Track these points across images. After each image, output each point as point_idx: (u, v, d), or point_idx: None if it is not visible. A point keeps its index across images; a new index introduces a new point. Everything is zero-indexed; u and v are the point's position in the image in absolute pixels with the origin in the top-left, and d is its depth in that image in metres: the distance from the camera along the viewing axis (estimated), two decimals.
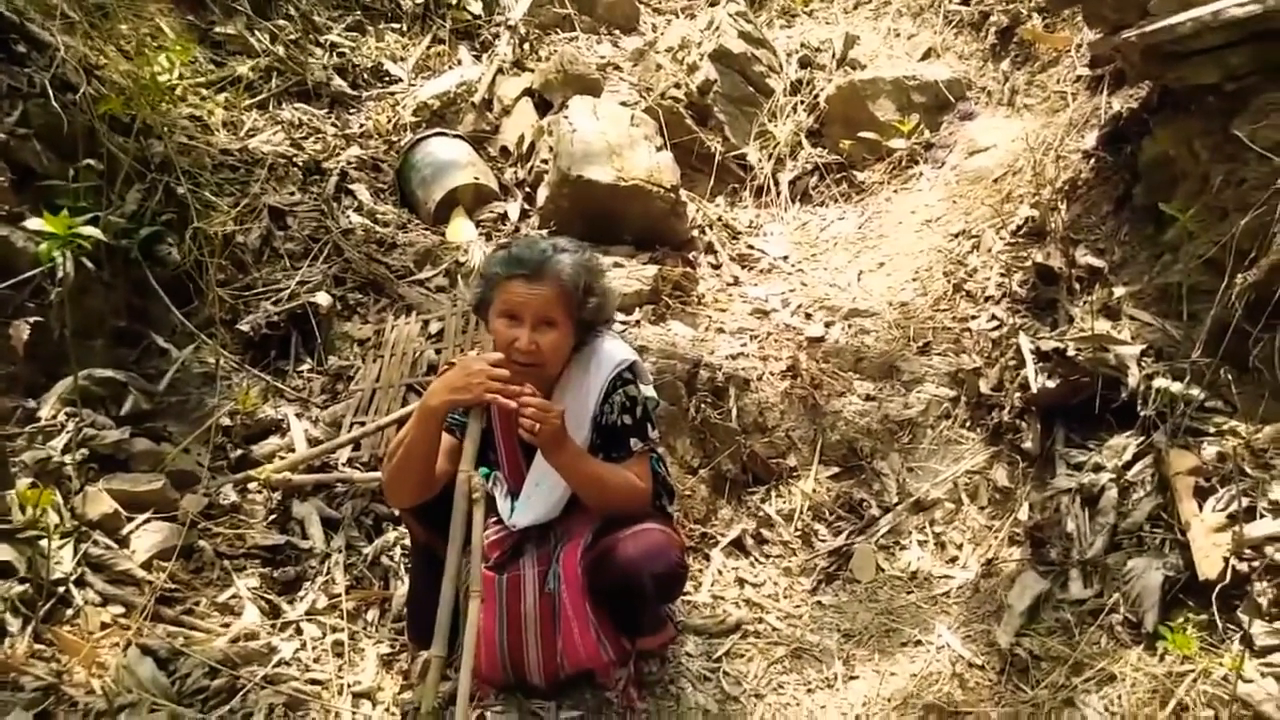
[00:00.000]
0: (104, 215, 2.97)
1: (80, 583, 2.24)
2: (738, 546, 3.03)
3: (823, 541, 3.07)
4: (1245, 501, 2.27)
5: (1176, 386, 2.55)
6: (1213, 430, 2.53)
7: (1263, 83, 2.68)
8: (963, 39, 5.29)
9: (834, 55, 5.45)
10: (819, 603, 2.85)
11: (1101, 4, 3.42)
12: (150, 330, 3.21)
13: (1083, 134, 3.99)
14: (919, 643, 2.58)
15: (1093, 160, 3.75)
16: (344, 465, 3.01)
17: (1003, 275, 3.54)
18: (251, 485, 2.84)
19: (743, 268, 4.42)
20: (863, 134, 4.95)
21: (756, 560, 3.00)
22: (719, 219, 4.73)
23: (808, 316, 3.85)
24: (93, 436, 2.59)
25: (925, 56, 5.30)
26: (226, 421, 3.01)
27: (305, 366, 3.43)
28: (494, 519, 2.34)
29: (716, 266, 4.42)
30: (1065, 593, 2.48)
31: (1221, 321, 2.62)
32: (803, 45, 5.61)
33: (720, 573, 2.92)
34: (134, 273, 3.20)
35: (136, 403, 2.86)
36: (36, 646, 2.07)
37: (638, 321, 3.72)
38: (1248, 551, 2.15)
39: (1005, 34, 5.09)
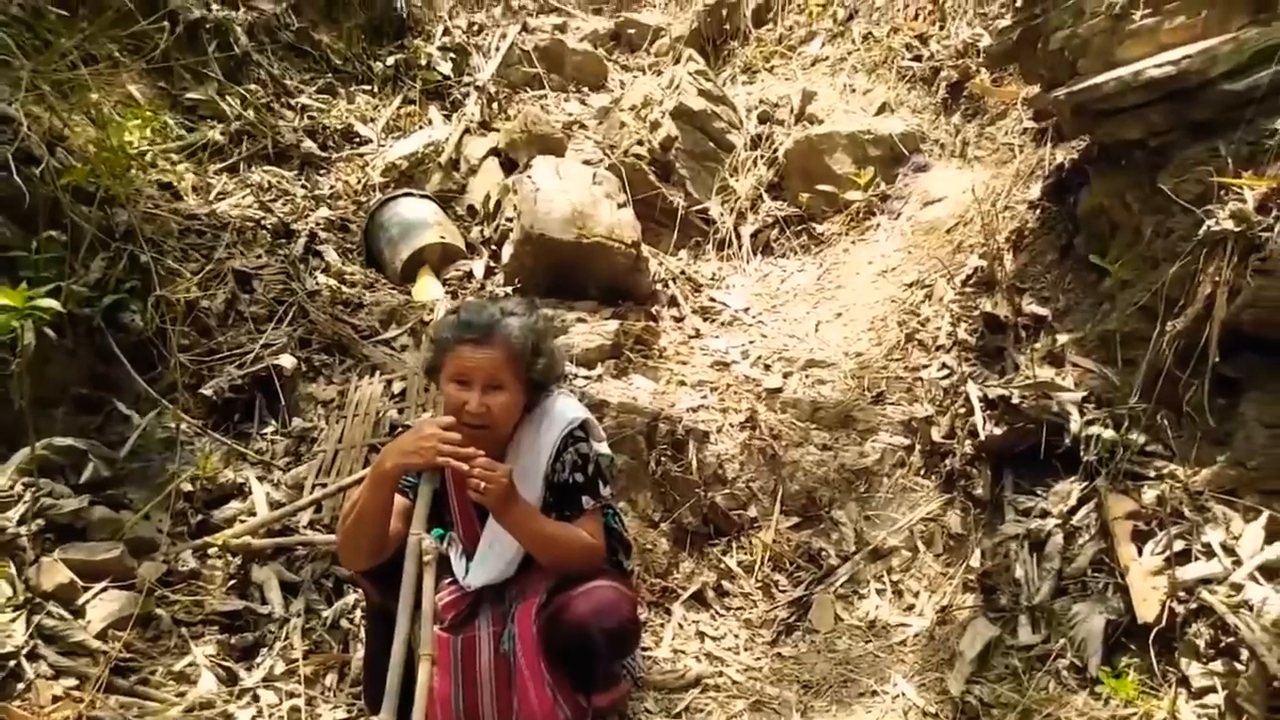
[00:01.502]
0: (66, 285, 3.00)
1: (32, 655, 2.24)
2: (699, 599, 3.06)
3: (783, 592, 3.10)
4: (1181, 544, 2.33)
5: (1112, 434, 2.63)
6: (1152, 474, 2.60)
7: (1182, 138, 2.81)
8: (916, 93, 5.46)
9: (792, 111, 5.61)
10: (779, 654, 2.87)
11: (1035, 62, 3.57)
12: (113, 397, 3.23)
13: (1029, 185, 4.12)
14: (875, 693, 2.61)
15: (1038, 210, 3.88)
16: (305, 528, 3.02)
17: (953, 324, 3.63)
18: (211, 551, 2.84)
19: (705, 320, 4.50)
20: (821, 187, 5.08)
21: (717, 613, 3.03)
22: (681, 273, 4.82)
23: (767, 368, 3.92)
24: (50, 506, 2.60)
25: (880, 111, 5.45)
26: (188, 487, 3.03)
27: (269, 429, 3.45)
28: (449, 579, 2.36)
29: (679, 319, 4.49)
30: (1015, 638, 2.53)
31: (1155, 367, 2.71)
32: (762, 101, 5.77)
33: (681, 626, 2.94)
34: (97, 340, 3.23)
35: (97, 470, 2.88)
36: None
37: (600, 376, 3.78)
38: (1183, 594, 2.21)
39: (956, 88, 5.27)
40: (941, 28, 5.61)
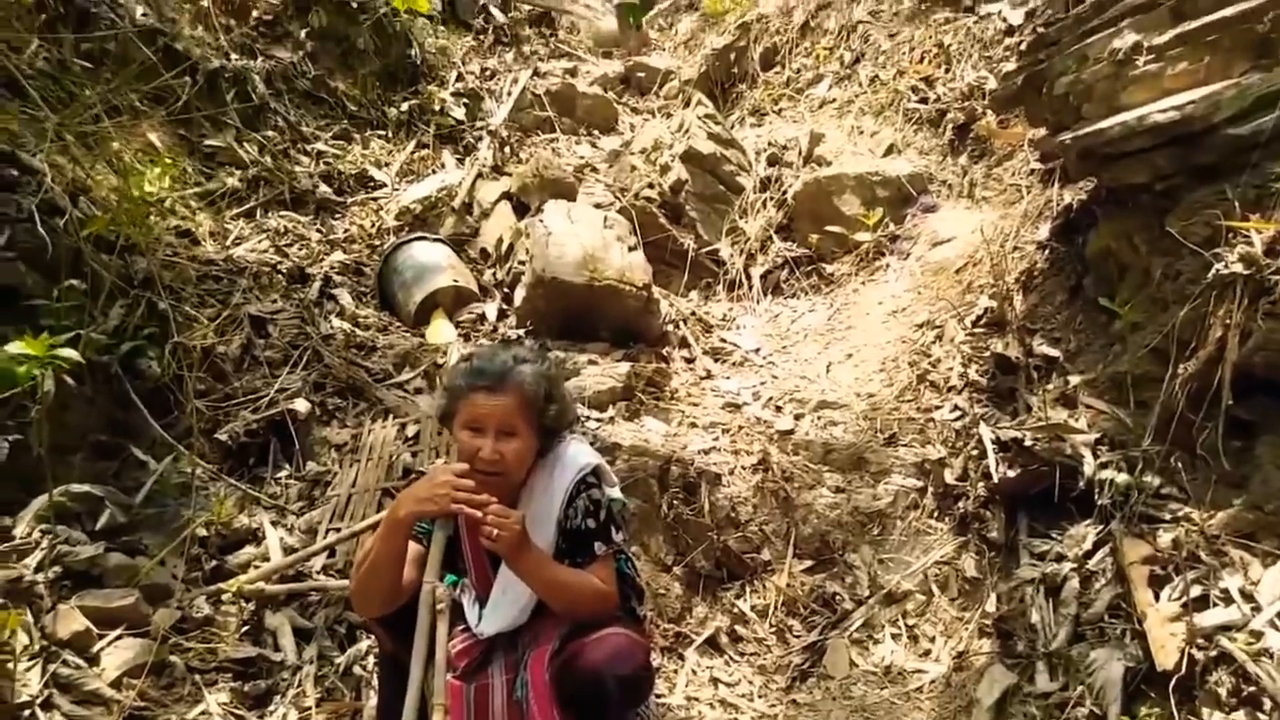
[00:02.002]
0: (86, 333, 3.05)
1: (47, 705, 2.25)
2: (712, 645, 3.04)
3: (797, 637, 3.08)
4: (1199, 590, 2.31)
5: (1126, 477, 2.62)
6: (1167, 517, 2.59)
7: (1189, 182, 2.83)
8: (922, 135, 5.52)
9: (800, 153, 5.67)
10: (794, 701, 2.85)
11: (1041, 106, 3.61)
12: (130, 443, 3.26)
13: (1037, 225, 4.15)
14: None
15: (1047, 251, 3.90)
16: (318, 573, 3.03)
17: (964, 365, 3.64)
18: (225, 596, 2.85)
19: (716, 361, 4.52)
20: (830, 228, 5.12)
21: (731, 659, 3.01)
22: (692, 314, 4.85)
23: (778, 409, 3.92)
24: (67, 553, 2.62)
25: (888, 152, 5.51)
26: (202, 532, 3.04)
27: (283, 473, 3.47)
28: (462, 627, 2.36)
29: (690, 360, 4.52)
30: (1033, 685, 2.50)
31: (1168, 410, 2.71)
32: (770, 143, 5.84)
33: (694, 673, 2.92)
34: (115, 387, 3.27)
35: (113, 517, 2.90)
36: None
37: (612, 418, 3.79)
38: (1202, 641, 2.18)
39: (962, 130, 5.33)
40: (947, 70, 5.68)
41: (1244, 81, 2.71)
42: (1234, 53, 2.80)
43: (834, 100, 6.27)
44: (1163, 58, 3.00)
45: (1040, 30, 4.08)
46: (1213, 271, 2.57)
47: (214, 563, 3.00)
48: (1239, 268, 2.51)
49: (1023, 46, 4.28)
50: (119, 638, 2.53)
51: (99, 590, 2.63)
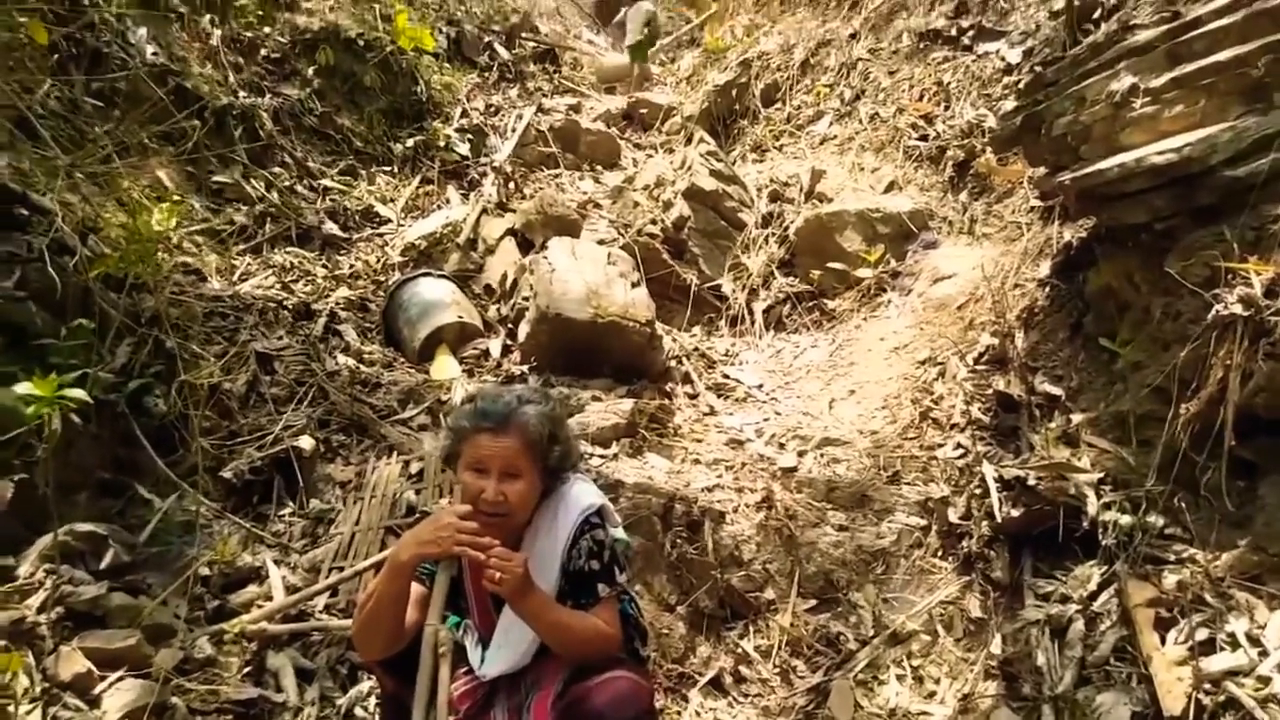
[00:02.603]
0: (93, 372, 3.07)
1: None
2: (716, 686, 3.01)
3: (801, 678, 3.06)
4: (1205, 633, 2.30)
5: (1129, 518, 2.61)
6: (1172, 558, 2.58)
7: (1187, 223, 2.85)
8: (923, 172, 5.58)
9: (802, 189, 5.73)
10: None
11: (1040, 146, 3.65)
12: (135, 481, 3.27)
13: (1038, 263, 4.17)
14: None
15: (1048, 288, 3.92)
16: (321, 612, 3.02)
17: (967, 403, 3.64)
18: (227, 636, 2.84)
19: (719, 397, 4.53)
20: (832, 264, 5.16)
21: (735, 700, 2.98)
22: (695, 349, 4.87)
23: (781, 446, 3.93)
24: (70, 594, 2.62)
25: (888, 189, 5.57)
26: (205, 571, 3.04)
27: (287, 511, 3.47)
28: (464, 669, 2.35)
29: (693, 396, 4.53)
30: None
31: (1171, 449, 2.71)
32: (772, 180, 5.90)
33: (698, 714, 2.89)
34: (121, 425, 3.29)
35: (117, 555, 2.90)
36: None
37: (615, 455, 3.79)
38: (1209, 686, 2.17)
39: (962, 167, 5.38)
40: (946, 108, 5.75)
41: (1239, 124, 2.74)
42: (1229, 96, 2.84)
43: (835, 137, 6.35)
44: (1159, 100, 3.04)
45: (1038, 70, 4.13)
46: (1213, 312, 2.58)
47: (216, 602, 3.00)
48: (1238, 309, 2.52)
49: (1021, 86, 4.33)
50: (120, 679, 2.51)
51: (101, 631, 2.63)
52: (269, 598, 3.05)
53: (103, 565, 2.86)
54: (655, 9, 10.59)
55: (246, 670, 2.79)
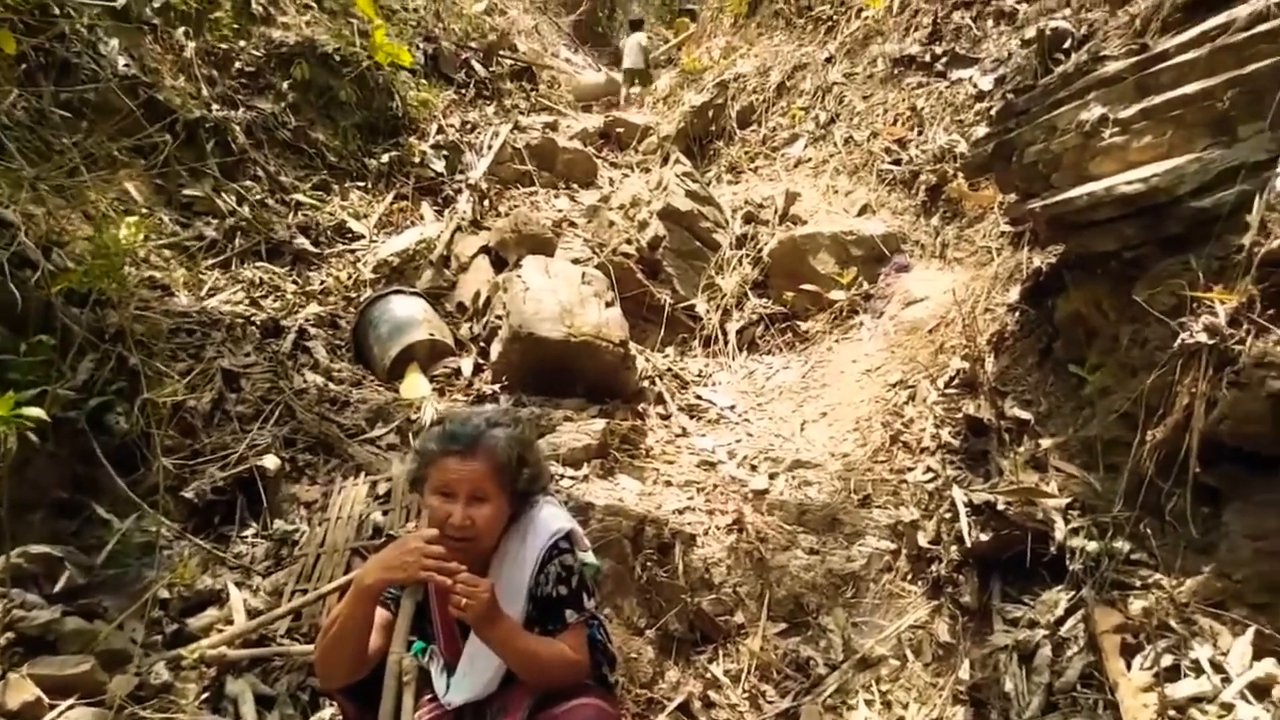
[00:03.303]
0: (53, 389, 3.00)
1: None
2: (684, 711, 2.98)
3: (770, 703, 3.03)
4: (1170, 659, 2.31)
5: (1096, 544, 2.63)
6: (1138, 584, 2.59)
7: (1155, 251, 2.89)
8: (896, 195, 5.62)
9: (776, 211, 5.77)
10: None
11: (1010, 173, 3.69)
12: (93, 500, 3.20)
13: (1008, 288, 4.21)
14: None
15: (1018, 313, 3.95)
16: (282, 637, 2.96)
17: (937, 426, 3.66)
18: (185, 662, 2.77)
19: (691, 418, 4.52)
20: (805, 286, 5.18)
21: None
22: (669, 369, 4.86)
23: (753, 468, 3.92)
24: (21, 618, 2.54)
25: (862, 212, 5.61)
26: (164, 594, 2.97)
27: (250, 532, 3.41)
28: (429, 696, 2.30)
29: (666, 417, 4.51)
30: None
31: (1138, 475, 2.73)
32: (747, 201, 5.93)
33: None
34: (80, 443, 3.21)
35: (72, 578, 2.82)
36: None
37: (586, 476, 3.77)
38: (1174, 712, 2.18)
39: (934, 191, 5.43)
40: (919, 133, 5.81)
41: (1205, 156, 2.78)
42: (1196, 128, 2.88)
43: (809, 160, 6.39)
44: (1128, 130, 3.08)
45: (1009, 98, 4.18)
46: (1179, 340, 2.61)
47: (175, 626, 2.92)
48: (1204, 337, 2.55)
49: (993, 113, 4.38)
50: (71, 707, 2.44)
51: (53, 657, 2.55)
52: (229, 622, 2.98)
53: (57, 588, 2.79)
54: (647, 42, 10.75)
55: (204, 697, 2.72)
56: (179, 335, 4.07)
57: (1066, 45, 4.73)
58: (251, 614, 3.02)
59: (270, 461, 3.53)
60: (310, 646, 2.86)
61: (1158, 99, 3.03)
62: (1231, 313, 2.54)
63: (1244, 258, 2.57)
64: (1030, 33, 5.12)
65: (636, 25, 11.90)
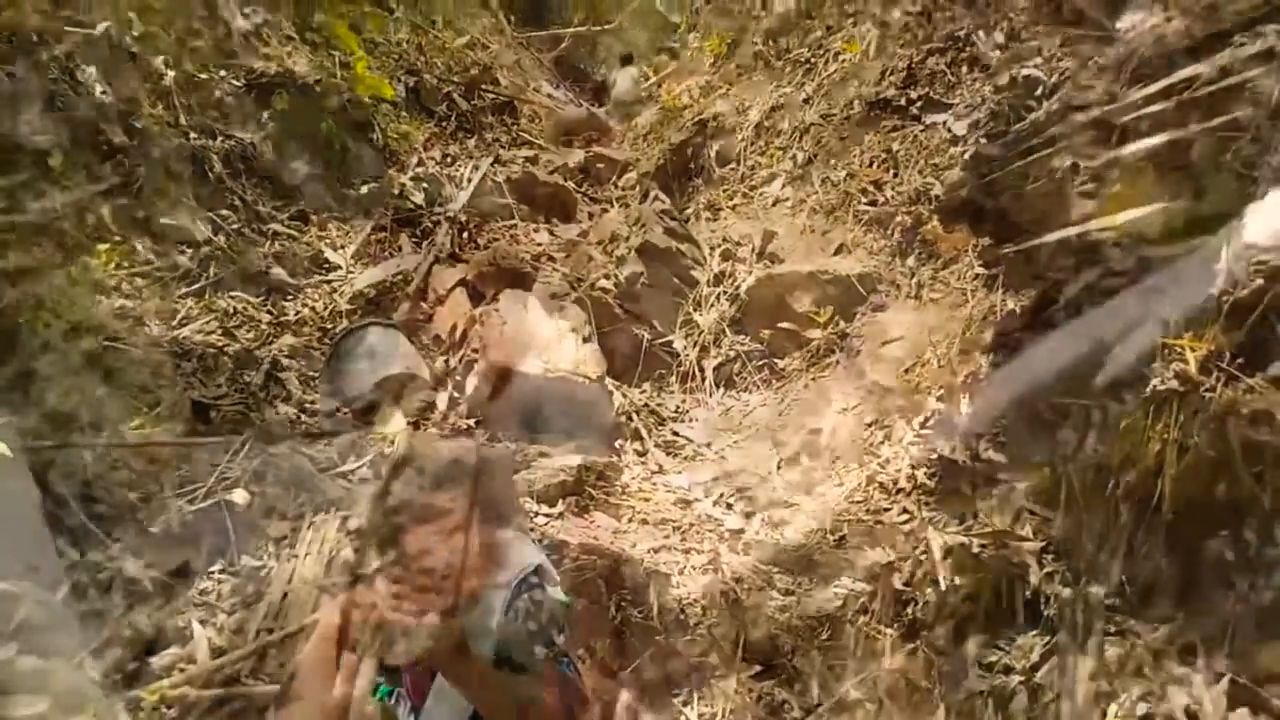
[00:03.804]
0: (16, 420, 2.94)
1: None
2: None
3: None
4: (1144, 708, 2.31)
5: (1070, 591, 2.63)
6: (1112, 629, 2.59)
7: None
8: (872, 236, 5.67)
9: (754, 249, 5.79)
10: None
11: (983, 218, 3.74)
12: (53, 533, 3.11)
13: (982, 329, 4.25)
14: None
15: (992, 355, 3.98)
16: (247, 677, 2.88)
17: (913, 467, 3.67)
18: (145, 704, 2.69)
19: (667, 454, 4.50)
20: (782, 324, 5.20)
21: None
22: (645, 405, 4.85)
23: (729, 507, 3.91)
24: None
25: (838, 251, 5.65)
26: (125, 632, 2.89)
27: (215, 568, 3.33)
28: None
29: (642, 454, 4.49)
30: None
31: (1111, 520, 2.74)
32: (724, 239, 5.96)
33: None
34: (47, 475, 3.14)
35: (29, 615, 2.74)
36: None
37: (561, 514, 3.73)
38: None
39: (910, 232, 5.48)
40: (895, 175, 5.88)
41: (1173, 206, 2.84)
42: (1164, 179, 2.94)
43: (787, 199, 6.44)
44: (1099, 179, 3.14)
45: (982, 143, 4.25)
46: (1150, 386, 2.64)
47: (135, 664, 2.84)
48: (1174, 384, 2.58)
49: (966, 157, 4.44)
50: None
51: (5, 697, 2.47)
52: (192, 661, 2.90)
53: (13, 625, 2.70)
54: (639, 74, 10.89)
55: None
56: (149, 366, 4.00)
57: (1039, 92, 4.82)
58: (215, 653, 2.95)
59: (239, 496, 3.47)
60: (276, 687, 2.79)
61: (1128, 149, 3.09)
62: (1201, 360, 2.57)
63: (1213, 306, 2.61)
64: (1003, 79, 5.22)
65: (627, 60, 12.03)
